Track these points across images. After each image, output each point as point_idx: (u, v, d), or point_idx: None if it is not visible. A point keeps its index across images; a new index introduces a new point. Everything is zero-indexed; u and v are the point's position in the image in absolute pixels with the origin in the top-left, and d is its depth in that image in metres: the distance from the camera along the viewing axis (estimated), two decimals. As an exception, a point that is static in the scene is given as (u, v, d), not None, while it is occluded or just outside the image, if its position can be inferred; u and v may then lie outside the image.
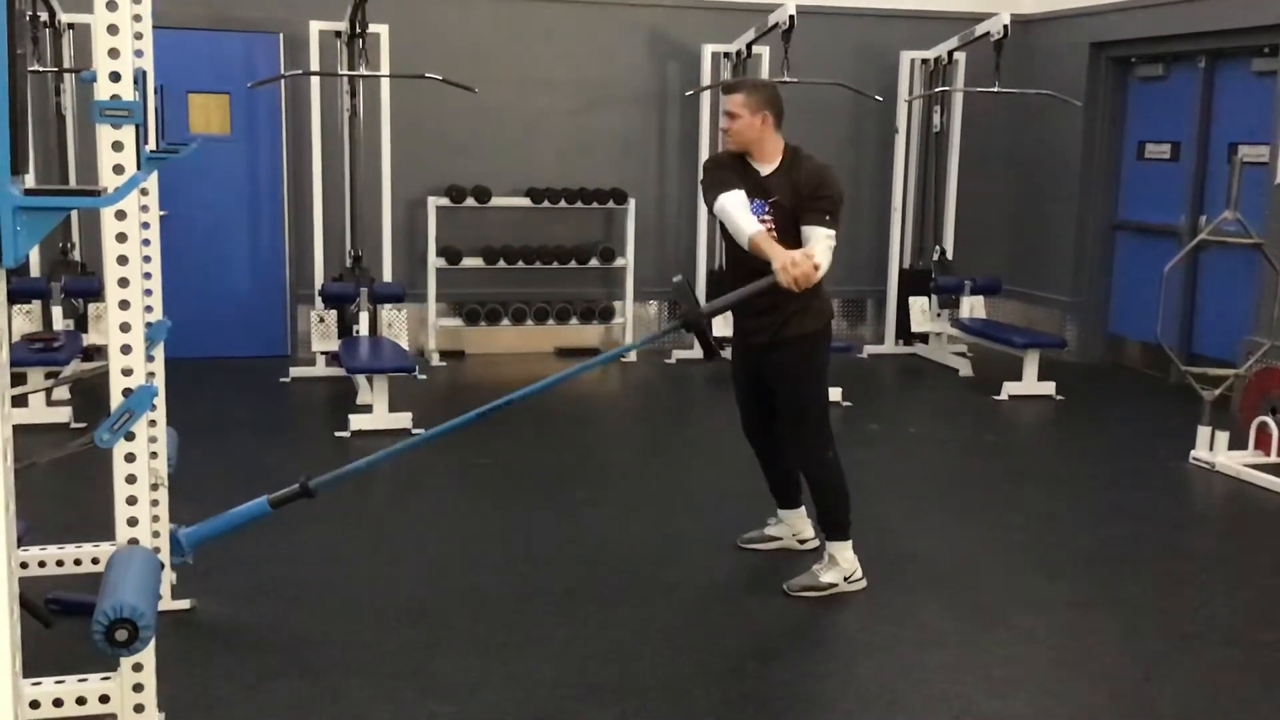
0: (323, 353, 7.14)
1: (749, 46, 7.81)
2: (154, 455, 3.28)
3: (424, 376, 7.15)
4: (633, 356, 7.99)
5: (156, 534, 3.20)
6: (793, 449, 4.11)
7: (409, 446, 4.05)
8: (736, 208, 3.79)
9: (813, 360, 3.99)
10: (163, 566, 3.26)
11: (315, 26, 7.13)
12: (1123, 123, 8.17)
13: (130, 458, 2.65)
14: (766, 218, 3.84)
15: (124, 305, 2.61)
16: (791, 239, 3.81)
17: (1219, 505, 5.33)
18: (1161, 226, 7.73)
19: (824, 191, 3.81)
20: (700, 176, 4.13)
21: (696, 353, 8.06)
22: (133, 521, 2.67)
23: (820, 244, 3.74)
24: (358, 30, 6.88)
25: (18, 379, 5.79)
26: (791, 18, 7.25)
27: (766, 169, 3.90)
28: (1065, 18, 8.30)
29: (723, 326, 7.73)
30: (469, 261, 7.77)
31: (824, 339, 4.02)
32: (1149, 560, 4.45)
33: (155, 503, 3.23)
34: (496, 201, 7.79)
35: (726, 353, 4.44)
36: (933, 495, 5.24)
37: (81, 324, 6.81)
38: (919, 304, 8.20)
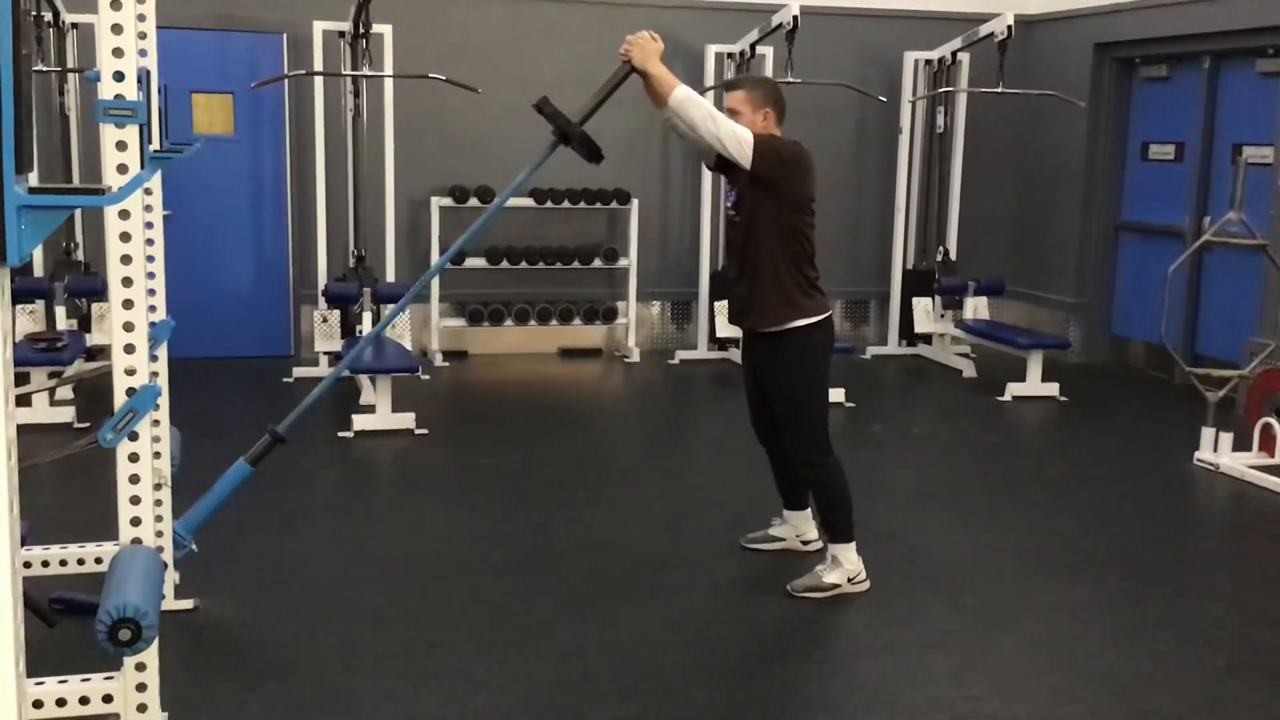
0: (326, 353, 7.15)
1: (753, 47, 7.81)
2: (157, 455, 3.28)
3: (427, 377, 7.15)
4: (635, 356, 7.99)
5: (160, 534, 3.20)
6: (788, 449, 4.10)
7: (348, 363, 4.18)
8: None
9: (804, 361, 3.94)
10: (166, 566, 3.26)
11: (319, 27, 7.13)
12: (1127, 123, 8.16)
13: (134, 457, 2.65)
14: (730, 202, 3.99)
15: (127, 305, 2.61)
16: (746, 215, 3.89)
17: (1223, 507, 5.32)
18: (1165, 227, 7.73)
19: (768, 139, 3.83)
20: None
21: (700, 353, 8.07)
22: (136, 521, 2.68)
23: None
24: (361, 30, 6.89)
25: (21, 379, 5.80)
26: (795, 18, 7.26)
27: None
28: (1069, 18, 8.29)
29: (724, 328, 7.78)
30: (472, 262, 7.77)
31: (817, 338, 3.94)
32: (1153, 562, 4.44)
33: (159, 502, 3.24)
34: (499, 202, 7.78)
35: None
36: (936, 496, 5.23)
37: (85, 324, 6.81)
38: (922, 305, 8.19)
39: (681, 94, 3.69)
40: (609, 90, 3.77)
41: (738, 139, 3.71)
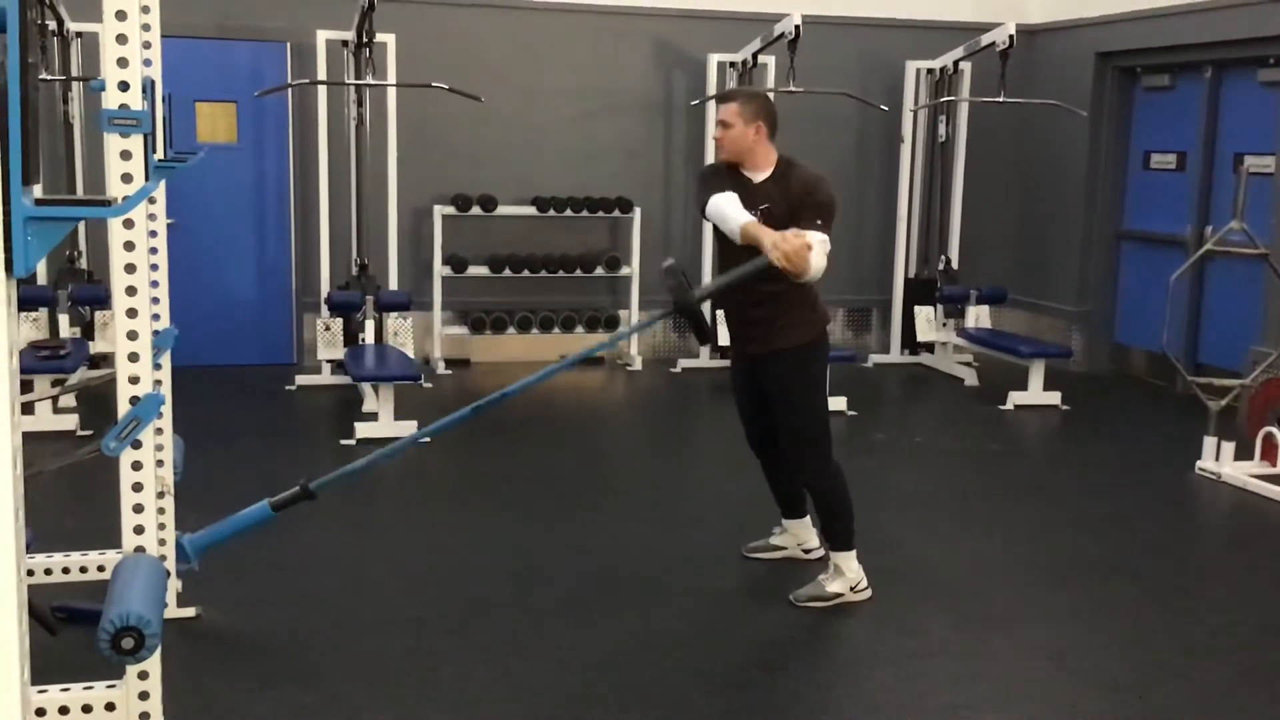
0: (328, 361, 7.16)
1: (755, 56, 7.82)
2: (160, 463, 3.29)
3: (429, 385, 7.16)
4: (638, 365, 8.00)
5: (163, 542, 3.20)
6: (794, 460, 4.10)
7: (407, 444, 4.17)
8: (727, 203, 3.78)
9: (808, 371, 3.96)
10: (168, 575, 3.27)
11: (322, 36, 7.16)
12: (1128, 132, 8.17)
13: (137, 466, 2.66)
14: None
15: (131, 313, 2.62)
16: None
17: (1224, 516, 5.31)
18: (1167, 236, 7.73)
19: (816, 198, 3.78)
20: (696, 187, 4.13)
21: (703, 361, 8.07)
22: (139, 529, 2.68)
23: (813, 244, 3.70)
24: (364, 39, 6.90)
25: (25, 386, 5.80)
26: (797, 28, 7.26)
27: (758, 177, 3.88)
28: (1071, 28, 8.30)
29: (726, 336, 7.76)
30: (474, 270, 7.78)
31: (819, 350, 3.99)
32: (1154, 571, 4.44)
33: (162, 511, 3.23)
34: (502, 210, 7.80)
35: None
36: (938, 505, 5.23)
37: (88, 332, 6.82)
38: (924, 313, 8.19)
39: (815, 271, 3.70)
40: (740, 279, 3.75)
41: (828, 247, 3.73)
